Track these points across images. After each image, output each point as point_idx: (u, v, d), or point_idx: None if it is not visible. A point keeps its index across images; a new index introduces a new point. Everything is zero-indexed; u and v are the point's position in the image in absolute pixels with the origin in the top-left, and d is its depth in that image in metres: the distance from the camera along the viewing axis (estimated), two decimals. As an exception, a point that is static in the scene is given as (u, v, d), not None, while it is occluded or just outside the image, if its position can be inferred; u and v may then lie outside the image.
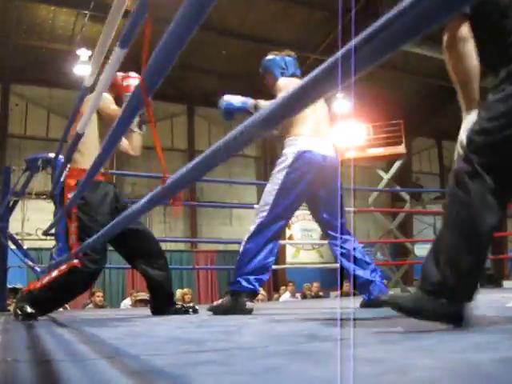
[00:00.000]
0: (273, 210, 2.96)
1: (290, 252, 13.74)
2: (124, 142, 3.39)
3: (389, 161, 12.97)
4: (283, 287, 10.62)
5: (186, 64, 11.07)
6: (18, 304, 2.88)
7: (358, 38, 0.56)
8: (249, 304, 2.92)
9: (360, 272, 3.05)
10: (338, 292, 7.07)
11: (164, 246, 13.09)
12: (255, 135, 0.85)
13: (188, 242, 13.18)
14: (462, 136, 1.67)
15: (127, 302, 8.81)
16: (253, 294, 2.99)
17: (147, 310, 3.47)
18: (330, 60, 0.60)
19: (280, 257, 13.14)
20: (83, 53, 10.14)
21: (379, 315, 2.45)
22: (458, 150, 1.65)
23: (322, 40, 10.87)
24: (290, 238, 13.57)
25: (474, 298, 1.49)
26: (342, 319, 2.35)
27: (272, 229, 2.97)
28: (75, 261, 2.83)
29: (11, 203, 4.93)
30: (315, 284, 10.41)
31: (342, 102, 11.93)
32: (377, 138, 12.01)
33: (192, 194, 12.72)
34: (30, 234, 9.65)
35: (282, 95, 0.73)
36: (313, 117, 3.11)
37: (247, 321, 2.45)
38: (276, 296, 10.72)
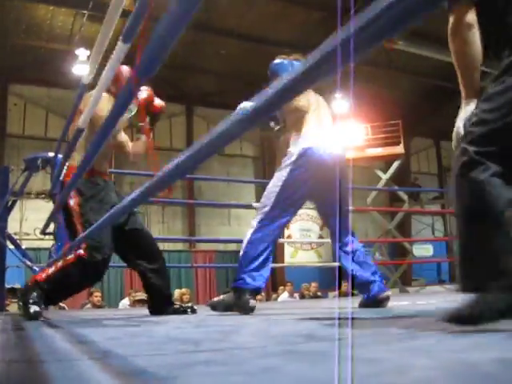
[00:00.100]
0: (276, 206, 2.98)
1: (288, 252, 13.74)
2: (129, 144, 3.41)
3: (387, 161, 12.99)
4: (281, 287, 10.62)
5: (185, 64, 11.08)
6: (25, 297, 2.86)
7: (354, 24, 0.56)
8: (252, 302, 2.90)
9: (360, 272, 3.06)
10: (336, 292, 7.08)
11: (162, 246, 13.09)
12: (242, 130, 0.85)
13: (186, 242, 13.18)
14: (459, 124, 1.67)
15: (125, 301, 8.80)
16: (256, 292, 2.98)
17: (145, 310, 3.47)
18: (327, 44, 0.60)
19: (278, 257, 13.15)
20: (82, 52, 10.13)
21: (377, 315, 2.45)
22: (454, 138, 1.65)
23: (320, 40, 10.75)
24: (289, 237, 13.58)
25: None
26: (339, 319, 2.35)
27: (275, 224, 2.99)
28: (81, 251, 2.84)
29: (10, 203, 4.92)
30: (313, 284, 10.41)
31: (341, 102, 11.93)
32: (375, 138, 12.04)
33: (190, 193, 12.72)
34: (28, 234, 9.65)
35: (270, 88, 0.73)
36: (315, 115, 3.13)
37: (245, 321, 2.45)
38: (274, 296, 10.72)
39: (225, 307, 2.92)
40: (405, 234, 13.97)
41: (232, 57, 11.75)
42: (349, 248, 3.09)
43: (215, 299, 3.11)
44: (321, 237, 13.78)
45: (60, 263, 2.94)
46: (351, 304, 3.56)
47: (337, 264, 3.22)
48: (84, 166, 1.97)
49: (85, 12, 9.80)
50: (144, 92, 3.17)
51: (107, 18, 1.56)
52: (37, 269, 4.75)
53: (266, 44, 11.13)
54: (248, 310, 2.86)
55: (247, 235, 2.99)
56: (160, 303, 3.30)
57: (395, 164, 12.65)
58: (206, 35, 10.41)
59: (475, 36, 1.61)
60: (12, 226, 5.91)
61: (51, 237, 4.57)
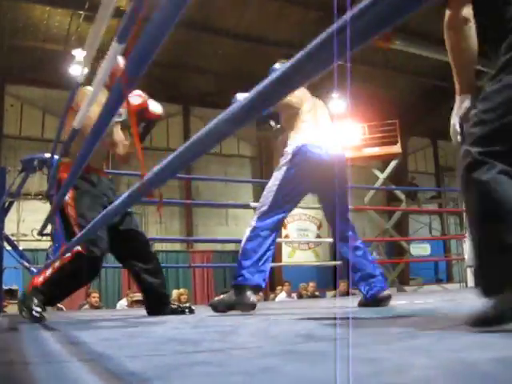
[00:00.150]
0: (274, 205, 3.00)
1: (285, 252, 13.74)
2: (120, 145, 3.39)
3: (384, 160, 13.01)
4: (279, 287, 10.63)
5: (182, 64, 11.08)
6: (26, 302, 2.83)
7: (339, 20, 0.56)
8: (253, 298, 2.88)
9: (363, 265, 3.06)
10: (337, 290, 7.09)
11: (160, 247, 13.03)
12: (231, 128, 0.85)
13: (184, 242, 13.17)
14: (455, 120, 1.67)
15: (123, 302, 8.80)
16: (257, 288, 2.95)
17: (143, 311, 3.46)
18: (324, 34, 0.59)
19: (276, 256, 13.15)
20: (78, 53, 10.10)
21: (376, 314, 2.46)
22: (453, 135, 1.65)
23: (317, 40, 10.86)
24: (286, 237, 13.58)
25: None
26: (338, 319, 2.36)
27: (273, 222, 3.00)
28: (78, 248, 2.83)
29: (6, 204, 4.91)
30: (311, 284, 10.42)
31: (338, 101, 11.94)
32: (372, 138, 12.05)
33: (188, 193, 12.72)
34: (25, 235, 9.62)
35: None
36: (311, 115, 3.16)
37: (243, 321, 2.45)
38: (272, 296, 10.73)
39: (226, 306, 2.90)
40: (402, 234, 13.99)
41: (229, 57, 11.75)
42: (352, 242, 3.10)
43: (216, 299, 3.09)
44: (318, 236, 13.80)
45: (57, 264, 2.93)
46: (350, 303, 3.56)
47: (335, 263, 3.22)
48: (79, 165, 1.96)
49: (81, 12, 9.79)
50: (137, 98, 3.14)
51: (98, 18, 1.55)
52: (34, 270, 4.74)
53: (264, 44, 11.13)
54: (250, 307, 2.85)
55: (246, 233, 3.00)
56: (156, 303, 3.30)
57: (392, 163, 12.67)
58: (203, 35, 10.41)
59: (471, 30, 1.59)
60: (9, 227, 5.90)
61: (49, 238, 4.56)
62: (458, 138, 1.69)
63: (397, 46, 10.79)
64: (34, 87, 11.73)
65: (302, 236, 13.86)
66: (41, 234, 4.40)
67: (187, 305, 3.60)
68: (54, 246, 4.24)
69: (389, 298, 3.05)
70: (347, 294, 4.30)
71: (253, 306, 2.87)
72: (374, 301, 3.01)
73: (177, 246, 13.02)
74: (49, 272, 2.93)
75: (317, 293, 10.37)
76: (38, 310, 2.77)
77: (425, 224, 15.66)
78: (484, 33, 1.59)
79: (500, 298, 1.33)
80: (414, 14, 0.52)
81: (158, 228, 12.76)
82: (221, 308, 2.93)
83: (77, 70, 9.99)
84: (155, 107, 3.28)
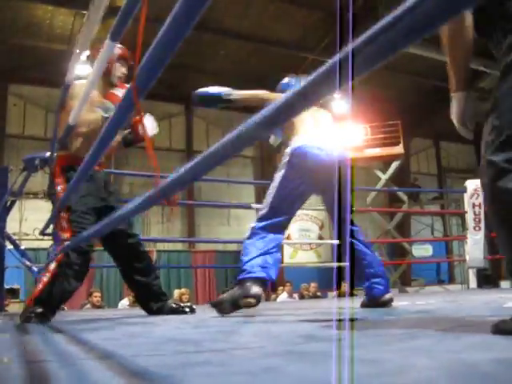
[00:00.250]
0: (273, 206, 3.00)
1: (287, 252, 13.73)
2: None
3: (386, 161, 13.00)
4: (281, 287, 10.62)
5: (184, 64, 11.07)
6: (29, 309, 2.80)
7: (356, 41, 0.55)
8: (257, 290, 2.77)
9: (376, 262, 3.07)
10: (342, 290, 7.08)
11: (162, 246, 13.04)
12: (255, 137, 0.84)
13: (186, 242, 13.17)
14: (457, 122, 1.67)
15: (125, 302, 8.80)
16: (260, 280, 2.82)
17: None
18: (330, 62, 0.60)
19: (278, 257, 13.12)
20: (84, 53, 10.11)
21: (378, 315, 2.45)
22: (464, 133, 1.64)
23: (320, 40, 10.88)
24: (288, 238, 13.56)
25: None
26: (339, 319, 2.35)
27: (272, 223, 2.99)
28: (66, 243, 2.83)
29: (9, 203, 4.92)
30: (313, 284, 10.41)
31: (340, 102, 11.93)
32: (374, 139, 12.04)
33: (190, 193, 12.72)
34: (27, 234, 9.65)
35: (281, 98, 0.72)
36: (311, 117, 3.16)
37: (245, 321, 2.45)
38: (273, 296, 10.72)
39: (230, 303, 2.79)
40: (404, 235, 13.98)
41: (232, 57, 11.76)
42: (360, 237, 3.11)
43: (217, 299, 2.99)
44: (320, 237, 13.80)
45: (52, 267, 2.92)
46: (351, 304, 3.56)
47: (337, 264, 3.22)
48: (85, 170, 1.94)
49: (85, 12, 9.79)
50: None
51: (89, 17, 1.56)
52: (36, 269, 4.75)
53: (266, 44, 11.13)
54: (254, 298, 2.74)
55: (247, 233, 3.00)
56: (149, 300, 3.30)
57: (394, 164, 12.66)
58: (205, 35, 10.40)
59: (468, 25, 1.56)
60: (11, 226, 5.91)
61: (50, 237, 4.57)
62: (470, 135, 1.69)
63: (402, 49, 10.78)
64: (37, 87, 11.74)
65: (304, 236, 13.86)
66: (43, 233, 4.41)
67: (188, 304, 3.61)
68: (54, 245, 4.25)
69: (391, 300, 3.05)
70: (350, 294, 4.29)
71: (257, 298, 2.76)
72: (376, 303, 3.01)
73: (179, 246, 13.03)
74: (46, 278, 2.93)
75: (318, 293, 10.36)
76: (41, 310, 2.78)
77: (427, 225, 15.65)
78: (484, 22, 1.53)
79: None
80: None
81: (160, 228, 12.77)
82: (225, 307, 2.81)
83: (80, 69, 10.00)
84: (149, 127, 3.20)
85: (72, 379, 0.98)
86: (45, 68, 10.91)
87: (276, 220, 3.01)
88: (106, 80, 3.21)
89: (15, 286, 8.42)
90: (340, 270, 3.18)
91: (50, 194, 3.23)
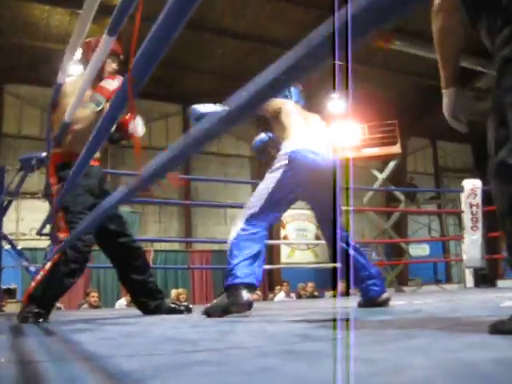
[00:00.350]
0: (265, 208, 2.95)
1: (284, 252, 13.75)
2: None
3: (383, 161, 13.03)
4: (278, 287, 10.64)
5: (181, 63, 11.07)
6: (26, 309, 2.80)
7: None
8: (247, 296, 2.72)
9: (367, 265, 3.06)
10: (338, 290, 7.08)
11: (159, 246, 13.02)
12: (223, 128, 0.85)
13: (183, 242, 13.17)
14: (450, 119, 1.68)
15: (122, 302, 8.80)
16: (251, 287, 2.78)
17: (142, 310, 3.46)
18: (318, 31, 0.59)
19: (275, 257, 13.14)
20: (78, 52, 10.09)
21: (374, 315, 2.46)
22: (458, 127, 1.66)
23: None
24: (285, 237, 13.58)
25: None
26: (336, 319, 2.35)
27: (262, 224, 2.94)
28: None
29: (5, 203, 4.92)
30: (310, 284, 10.42)
31: (337, 102, 11.95)
32: (372, 138, 12.05)
33: (187, 193, 12.72)
34: (24, 234, 9.64)
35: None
36: (304, 122, 3.15)
37: (242, 321, 2.45)
38: (271, 296, 10.73)
39: (221, 310, 2.74)
40: (401, 234, 14.00)
41: (229, 56, 11.75)
42: (350, 241, 3.10)
43: (208, 305, 2.92)
44: (317, 237, 13.81)
45: (47, 266, 2.92)
46: (349, 304, 3.56)
47: (334, 264, 3.22)
48: (80, 168, 1.95)
49: (80, 12, 9.77)
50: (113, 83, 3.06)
51: (82, 16, 1.56)
52: (33, 269, 4.74)
53: (263, 43, 11.12)
54: (245, 307, 2.72)
55: (232, 233, 2.91)
56: (145, 298, 3.29)
57: (391, 164, 12.68)
58: (202, 34, 10.40)
59: (456, 20, 1.55)
60: (8, 227, 5.90)
61: (47, 237, 4.56)
62: (463, 128, 1.69)
63: (396, 47, 10.80)
64: (34, 86, 11.72)
65: (301, 236, 13.87)
66: (40, 233, 4.41)
67: (185, 303, 3.61)
68: (52, 245, 4.24)
69: (388, 300, 3.05)
70: (346, 294, 4.29)
71: (249, 305, 2.74)
72: (373, 304, 3.01)
73: (176, 246, 13.02)
74: (40, 275, 2.92)
75: (316, 293, 10.37)
76: (40, 310, 2.77)
77: (424, 225, 15.67)
78: (478, 13, 1.46)
79: None
80: (413, 14, 0.52)
81: (157, 228, 12.76)
82: (215, 314, 2.74)
83: (77, 69, 9.99)
84: (138, 128, 3.18)
85: (69, 380, 0.98)
86: (41, 68, 10.89)
87: (266, 221, 2.96)
88: (97, 75, 3.19)
89: (12, 286, 8.40)
90: (337, 269, 3.17)
91: (47, 195, 3.22)
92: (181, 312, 3.29)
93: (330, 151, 3.16)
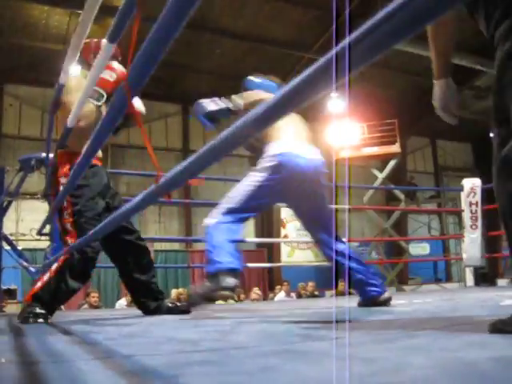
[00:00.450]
0: (243, 205, 2.86)
1: (285, 251, 13.74)
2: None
3: (383, 160, 13.02)
4: (278, 286, 10.63)
5: (181, 63, 11.06)
6: (27, 309, 2.79)
7: (352, 35, 0.55)
8: (230, 280, 2.60)
9: (359, 269, 3.03)
10: (334, 291, 7.09)
11: (159, 246, 13.00)
12: (247, 135, 0.84)
13: (183, 242, 13.16)
14: (435, 105, 1.68)
15: (122, 302, 8.79)
16: (232, 272, 2.65)
17: (142, 310, 3.46)
18: (324, 58, 0.60)
19: (275, 256, 13.15)
20: (77, 53, 10.09)
21: (374, 314, 2.46)
22: (445, 118, 1.67)
23: (316, 39, 10.87)
24: (285, 236, 13.58)
25: None
26: (336, 319, 2.36)
27: (237, 219, 2.85)
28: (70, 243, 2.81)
29: (5, 204, 4.92)
30: (310, 283, 10.41)
31: (337, 101, 11.94)
32: (371, 137, 12.06)
33: (187, 193, 12.71)
34: (24, 235, 9.62)
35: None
36: (290, 125, 3.06)
37: (242, 320, 2.45)
38: (271, 295, 10.73)
39: (202, 297, 2.64)
40: (401, 233, 13.99)
41: (228, 56, 11.74)
42: (340, 246, 3.05)
43: (190, 293, 2.89)
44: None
45: (54, 267, 2.91)
46: (349, 303, 3.56)
47: (333, 263, 3.19)
48: (80, 170, 1.94)
49: (80, 12, 9.75)
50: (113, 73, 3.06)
51: (82, 19, 1.56)
52: (33, 269, 4.75)
53: (262, 43, 11.12)
54: (227, 290, 2.60)
55: (207, 225, 2.82)
56: (146, 299, 3.28)
57: (391, 163, 12.67)
58: (201, 34, 10.39)
59: (449, 14, 1.53)
60: (8, 227, 5.90)
61: (47, 237, 4.57)
62: (454, 120, 1.70)
63: (396, 46, 10.78)
64: (33, 87, 11.71)
65: (301, 235, 13.84)
66: (40, 233, 4.40)
67: (185, 304, 3.60)
68: (52, 245, 4.25)
69: (389, 299, 3.03)
70: (347, 293, 4.29)
71: (231, 289, 2.61)
72: (373, 303, 2.99)
73: (176, 246, 13.02)
74: (46, 277, 2.91)
75: (316, 292, 10.37)
76: (42, 311, 2.77)
77: (424, 224, 15.67)
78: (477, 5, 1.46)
79: None
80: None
81: (157, 227, 12.76)
82: (198, 301, 2.67)
83: (76, 69, 9.98)
84: (140, 107, 3.20)
85: (69, 380, 0.98)
86: (40, 68, 10.89)
87: (242, 216, 2.88)
88: None
89: (12, 287, 8.41)
90: (337, 269, 3.14)
91: (47, 195, 3.21)
92: (181, 312, 3.29)
93: (315, 154, 3.07)
